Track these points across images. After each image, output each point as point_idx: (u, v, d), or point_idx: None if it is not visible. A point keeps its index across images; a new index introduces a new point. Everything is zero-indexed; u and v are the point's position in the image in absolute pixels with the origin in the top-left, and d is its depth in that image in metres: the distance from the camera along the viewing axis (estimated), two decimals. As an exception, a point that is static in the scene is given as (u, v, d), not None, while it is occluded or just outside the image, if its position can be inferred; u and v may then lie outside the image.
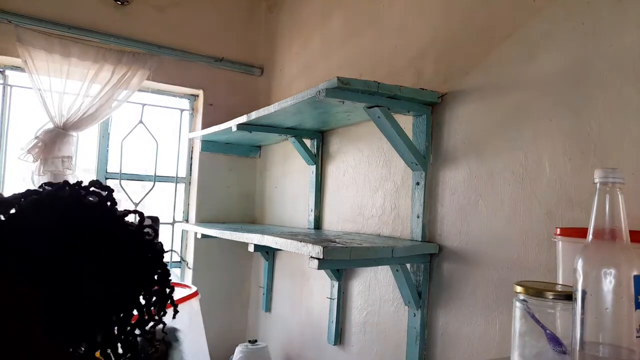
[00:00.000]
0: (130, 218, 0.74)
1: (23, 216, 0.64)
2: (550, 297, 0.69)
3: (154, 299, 0.73)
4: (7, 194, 0.70)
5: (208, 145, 2.36)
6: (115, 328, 0.70)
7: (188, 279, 2.37)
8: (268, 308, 2.26)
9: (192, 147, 2.45)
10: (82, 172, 2.23)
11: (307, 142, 1.95)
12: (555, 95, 1.06)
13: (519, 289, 0.72)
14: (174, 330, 1.60)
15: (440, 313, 1.31)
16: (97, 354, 0.69)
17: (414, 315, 1.35)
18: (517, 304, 0.72)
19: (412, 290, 1.32)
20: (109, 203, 0.71)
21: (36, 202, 0.66)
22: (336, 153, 1.85)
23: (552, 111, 1.06)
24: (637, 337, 0.60)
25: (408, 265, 1.35)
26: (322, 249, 1.10)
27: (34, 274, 0.62)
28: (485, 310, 1.17)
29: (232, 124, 1.83)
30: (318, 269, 1.14)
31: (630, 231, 0.63)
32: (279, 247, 1.35)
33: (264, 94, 2.49)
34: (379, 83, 1.21)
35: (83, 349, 0.68)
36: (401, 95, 1.27)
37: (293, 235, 1.40)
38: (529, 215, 1.09)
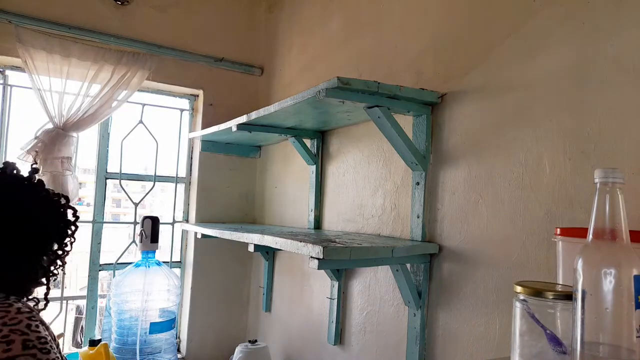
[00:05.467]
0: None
1: None
2: (550, 297, 0.69)
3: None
4: None
5: (208, 145, 2.36)
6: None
7: (188, 280, 2.37)
8: (268, 308, 2.26)
9: (192, 147, 2.45)
10: (82, 172, 2.23)
11: (307, 142, 1.95)
12: (555, 95, 1.06)
13: (519, 289, 0.72)
14: None
15: (440, 313, 1.31)
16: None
17: (414, 315, 1.35)
18: (517, 304, 0.72)
19: (412, 290, 1.32)
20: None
21: None
22: (336, 153, 1.85)
23: (552, 111, 1.06)
24: (637, 337, 0.60)
25: (408, 265, 1.35)
26: (322, 249, 1.10)
27: None
28: (485, 310, 1.17)
29: (232, 124, 1.83)
30: (318, 269, 1.14)
31: (630, 231, 0.63)
32: (279, 247, 1.35)
33: (264, 94, 2.49)
34: (379, 83, 1.21)
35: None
36: (401, 95, 1.27)
37: (293, 235, 1.40)
38: (529, 215, 1.09)
